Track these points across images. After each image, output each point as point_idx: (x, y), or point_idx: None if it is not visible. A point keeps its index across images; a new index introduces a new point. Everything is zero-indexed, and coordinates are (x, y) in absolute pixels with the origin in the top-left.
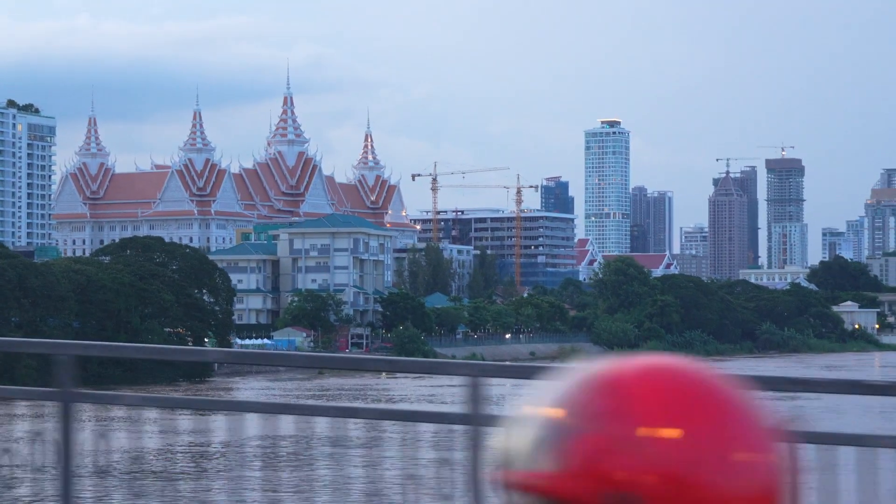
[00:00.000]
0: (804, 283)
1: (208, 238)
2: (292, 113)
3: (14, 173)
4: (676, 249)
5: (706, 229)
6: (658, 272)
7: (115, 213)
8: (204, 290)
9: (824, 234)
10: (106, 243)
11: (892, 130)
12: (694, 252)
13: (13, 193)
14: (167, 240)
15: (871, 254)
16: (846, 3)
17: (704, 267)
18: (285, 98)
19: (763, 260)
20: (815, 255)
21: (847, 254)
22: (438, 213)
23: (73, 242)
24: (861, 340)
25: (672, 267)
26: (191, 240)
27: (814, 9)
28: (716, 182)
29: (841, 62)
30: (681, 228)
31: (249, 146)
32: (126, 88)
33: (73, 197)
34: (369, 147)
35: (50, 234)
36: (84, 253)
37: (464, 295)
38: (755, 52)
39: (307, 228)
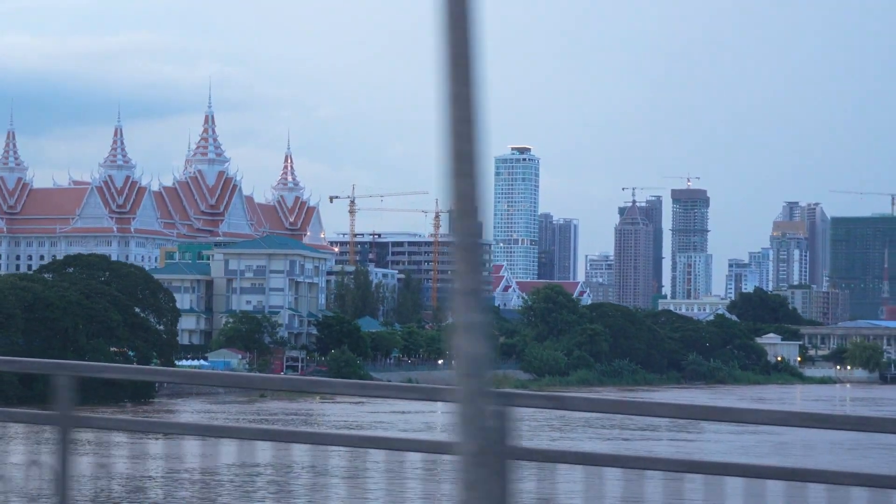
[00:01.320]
0: (726, 315)
1: (127, 256)
2: (213, 132)
3: None
4: (581, 277)
5: (611, 257)
6: None
7: (32, 229)
8: (148, 310)
9: (730, 265)
10: (22, 259)
11: (794, 164)
12: (600, 280)
13: None
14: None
15: (776, 286)
16: (749, 40)
17: (611, 295)
18: (206, 117)
19: (667, 289)
20: (719, 285)
21: (751, 286)
22: (356, 235)
23: None
24: (785, 373)
25: (585, 295)
26: (109, 257)
27: (718, 44)
28: (622, 211)
29: (747, 96)
30: (586, 256)
31: (155, 163)
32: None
33: None
34: (289, 168)
35: None
36: (0, 268)
37: (391, 319)
38: (663, 84)
39: (243, 249)
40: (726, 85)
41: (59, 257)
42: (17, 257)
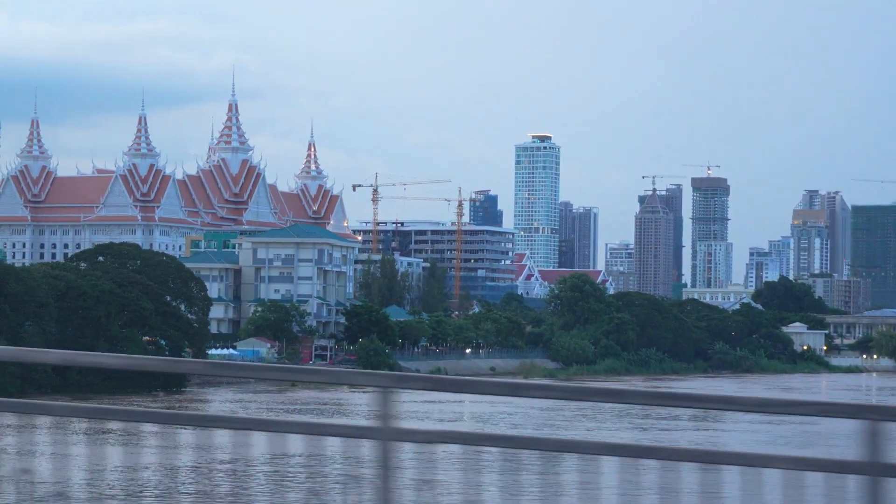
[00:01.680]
0: (751, 303)
1: (151, 245)
2: (237, 120)
3: None
4: (601, 266)
5: (632, 246)
6: None
7: (56, 217)
8: (179, 299)
9: (751, 254)
10: (46, 247)
11: (815, 152)
12: (620, 269)
13: None
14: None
15: (797, 274)
16: (769, 28)
17: (632, 284)
18: (230, 105)
19: (686, 278)
20: (739, 274)
21: (773, 274)
22: (378, 224)
23: (14, 246)
24: (811, 362)
25: (607, 284)
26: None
27: (738, 31)
28: (642, 199)
29: (767, 85)
30: (606, 245)
31: (173, 151)
32: (45, 90)
33: (14, 200)
34: (312, 156)
35: None
36: (24, 256)
37: (417, 308)
38: (683, 72)
39: (272, 238)
40: (746, 73)
41: (84, 246)
42: (42, 245)
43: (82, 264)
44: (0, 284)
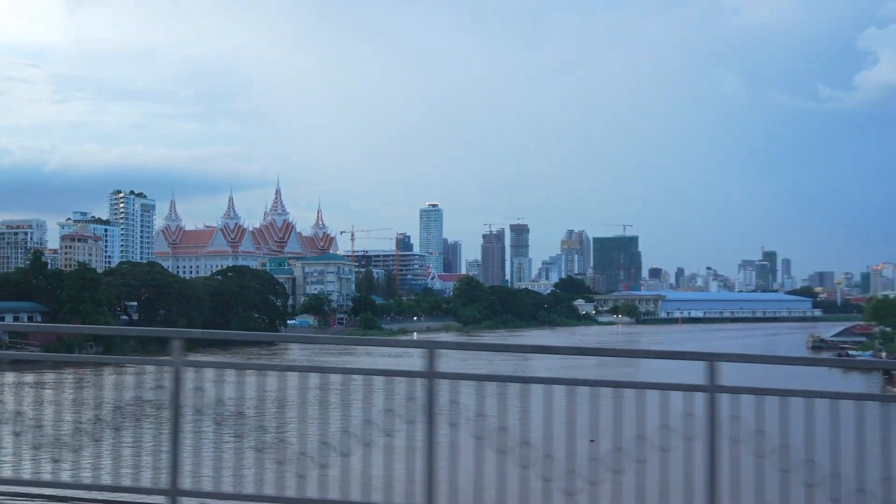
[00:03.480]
0: (556, 290)
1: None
2: (280, 198)
3: (134, 229)
4: (464, 271)
5: (479, 261)
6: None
7: (184, 252)
8: (271, 294)
9: (542, 263)
10: (180, 270)
11: (569, 205)
12: (473, 272)
13: (133, 239)
14: (214, 267)
15: (568, 274)
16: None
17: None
18: (276, 191)
19: (507, 277)
20: (534, 273)
21: (554, 276)
22: (355, 252)
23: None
24: (588, 320)
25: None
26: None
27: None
28: (485, 236)
29: (529, 158)
30: (465, 260)
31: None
32: (173, 184)
33: (162, 242)
34: (320, 217)
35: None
36: None
37: (385, 296)
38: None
39: (312, 261)
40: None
41: (202, 270)
42: (178, 269)
43: (218, 277)
44: (179, 289)
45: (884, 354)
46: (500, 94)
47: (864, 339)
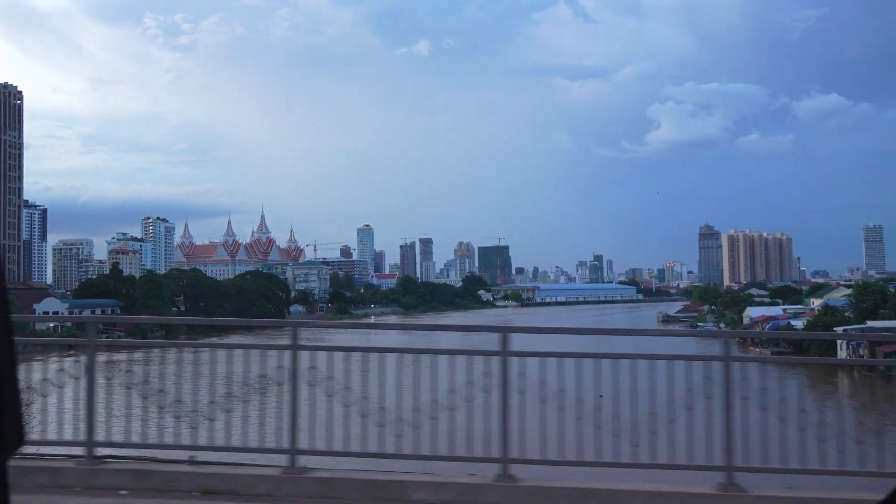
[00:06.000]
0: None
1: (234, 272)
2: (264, 221)
3: (159, 245)
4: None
5: (398, 265)
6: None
7: (196, 261)
8: (276, 290)
9: (443, 265)
10: None
11: (459, 221)
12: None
13: (159, 252)
14: (218, 272)
15: (464, 274)
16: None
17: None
18: (261, 216)
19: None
20: (441, 273)
21: (454, 274)
22: (319, 258)
23: None
24: (489, 305)
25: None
26: (260, 269)
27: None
28: (401, 247)
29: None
30: (389, 264)
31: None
32: (186, 211)
33: (180, 255)
34: (293, 234)
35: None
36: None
37: (350, 290)
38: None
39: (299, 266)
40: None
41: (208, 274)
42: None
43: (247, 276)
44: (213, 288)
45: (723, 325)
46: (409, 145)
47: (695, 314)
